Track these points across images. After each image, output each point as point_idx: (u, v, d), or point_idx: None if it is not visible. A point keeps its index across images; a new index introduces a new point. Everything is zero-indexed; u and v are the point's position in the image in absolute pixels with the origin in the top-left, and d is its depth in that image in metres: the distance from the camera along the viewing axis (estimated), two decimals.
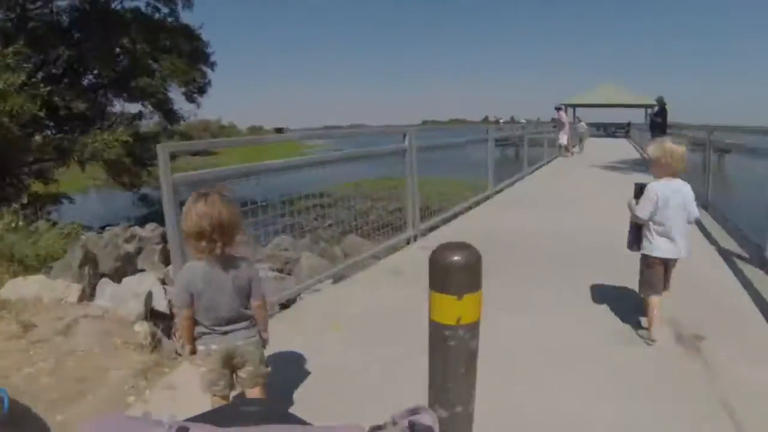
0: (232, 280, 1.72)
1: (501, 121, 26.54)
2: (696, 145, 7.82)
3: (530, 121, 26.37)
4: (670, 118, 12.48)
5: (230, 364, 1.79)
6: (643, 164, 13.97)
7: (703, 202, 6.97)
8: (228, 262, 1.72)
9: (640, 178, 3.50)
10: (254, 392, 1.87)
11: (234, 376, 1.83)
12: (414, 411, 0.54)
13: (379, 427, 0.53)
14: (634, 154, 17.55)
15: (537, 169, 12.23)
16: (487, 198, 7.71)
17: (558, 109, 16.03)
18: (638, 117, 38.52)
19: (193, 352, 1.81)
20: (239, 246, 1.79)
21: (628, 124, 35.17)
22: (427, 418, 0.53)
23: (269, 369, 1.91)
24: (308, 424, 0.61)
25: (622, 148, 21.05)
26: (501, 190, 8.48)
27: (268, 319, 1.95)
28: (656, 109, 13.01)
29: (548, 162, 14.07)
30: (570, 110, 36.69)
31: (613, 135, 35.49)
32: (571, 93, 43.20)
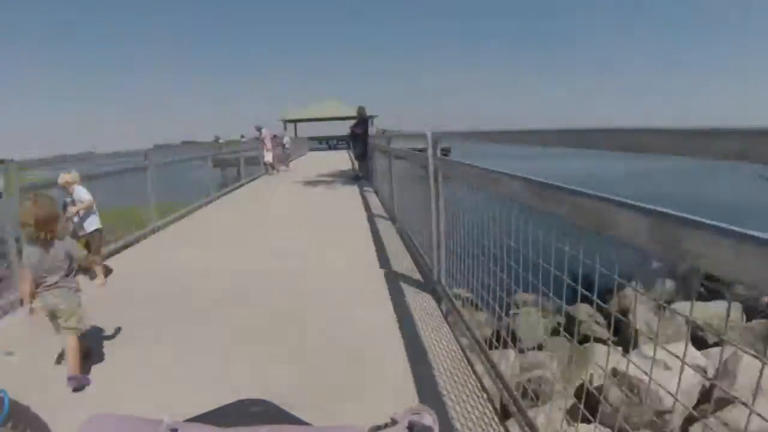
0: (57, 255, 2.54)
1: (221, 140, 25.28)
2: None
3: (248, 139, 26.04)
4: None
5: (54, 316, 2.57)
6: (345, 175, 14.28)
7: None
8: (52, 243, 2.53)
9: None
10: (71, 340, 2.52)
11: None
12: (414, 411, 0.54)
13: (378, 427, 0.52)
14: (347, 165, 18.12)
15: (229, 191, 10.80)
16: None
17: (259, 128, 15.58)
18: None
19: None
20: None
21: (349, 136, 37.23)
22: (427, 419, 0.52)
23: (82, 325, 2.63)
24: (308, 424, 0.62)
25: (339, 161, 21.78)
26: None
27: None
28: (357, 120, 12.34)
29: (249, 182, 13.41)
30: (291, 126, 37.33)
31: (335, 147, 37.26)
32: (295, 107, 44.01)
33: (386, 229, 6.20)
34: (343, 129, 44.22)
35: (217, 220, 7.31)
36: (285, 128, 37.55)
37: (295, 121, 38.97)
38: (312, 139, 37.92)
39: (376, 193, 9.51)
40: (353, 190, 10.28)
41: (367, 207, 8.00)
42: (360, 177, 12.55)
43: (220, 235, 6.14)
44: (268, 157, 15.29)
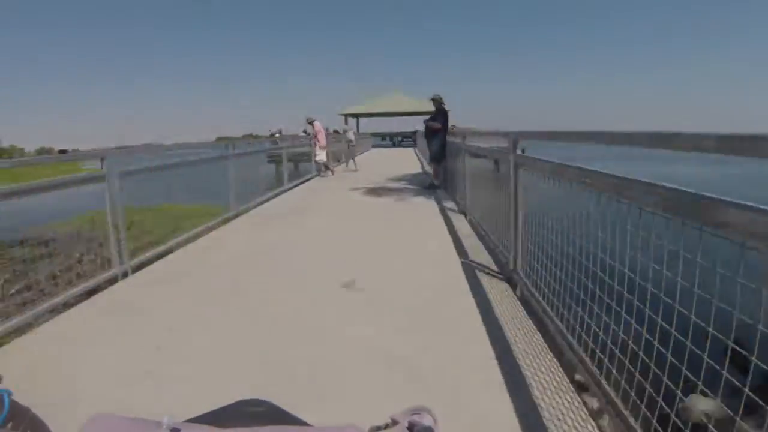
0: None
1: (277, 134, 23.21)
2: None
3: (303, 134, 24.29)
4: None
5: None
6: (416, 181, 11.49)
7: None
8: None
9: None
10: None
11: None
12: (414, 411, 0.54)
13: (378, 428, 0.53)
14: (414, 167, 15.60)
15: (264, 201, 8.34)
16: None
17: (310, 122, 13.03)
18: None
19: None
20: None
21: (414, 133, 33.51)
22: (428, 419, 0.53)
23: None
24: (308, 424, 0.62)
25: (405, 160, 19.40)
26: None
27: None
28: (433, 112, 9.72)
29: (294, 186, 10.98)
30: (353, 121, 35.28)
31: (399, 144, 35.01)
32: (357, 101, 41.86)
33: (501, 296, 3.41)
34: (408, 125, 42.08)
35: (217, 264, 4.71)
36: (346, 122, 35.67)
37: (356, 116, 36.77)
38: (375, 135, 35.73)
39: (464, 213, 6.70)
40: (430, 209, 7.44)
41: (456, 242, 5.16)
42: (436, 186, 9.77)
43: (201, 312, 3.57)
44: (321, 155, 12.73)
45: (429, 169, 14.20)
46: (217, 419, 0.58)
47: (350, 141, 16.03)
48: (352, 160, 15.29)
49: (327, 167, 13.03)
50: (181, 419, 0.51)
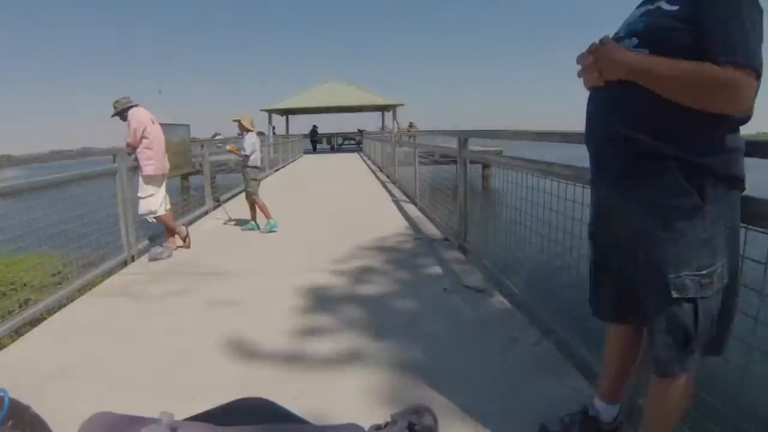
0: None
1: (219, 136, 19.39)
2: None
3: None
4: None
5: None
6: (426, 242, 5.38)
7: None
8: None
9: None
10: None
11: None
12: (414, 411, 0.60)
13: (379, 427, 0.60)
14: (387, 209, 7.72)
15: None
16: None
17: (120, 111, 4.94)
18: (374, 122, 33.49)
19: None
20: None
21: (360, 133, 28.32)
22: (428, 418, 0.58)
23: None
24: (308, 423, 0.69)
25: (357, 180, 12.68)
26: None
27: None
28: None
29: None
30: (281, 120, 30.61)
31: (339, 148, 31.74)
32: (287, 93, 36.39)
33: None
34: (353, 122, 36.37)
35: None
36: (270, 122, 30.09)
37: (286, 112, 31.56)
38: (307, 136, 30.80)
39: None
40: None
41: None
42: None
43: None
44: (150, 201, 5.02)
45: (418, 214, 6.98)
46: (217, 418, 0.61)
47: (244, 155, 6.29)
48: (224, 208, 7.46)
49: (172, 231, 5.31)
50: (181, 418, 0.54)
